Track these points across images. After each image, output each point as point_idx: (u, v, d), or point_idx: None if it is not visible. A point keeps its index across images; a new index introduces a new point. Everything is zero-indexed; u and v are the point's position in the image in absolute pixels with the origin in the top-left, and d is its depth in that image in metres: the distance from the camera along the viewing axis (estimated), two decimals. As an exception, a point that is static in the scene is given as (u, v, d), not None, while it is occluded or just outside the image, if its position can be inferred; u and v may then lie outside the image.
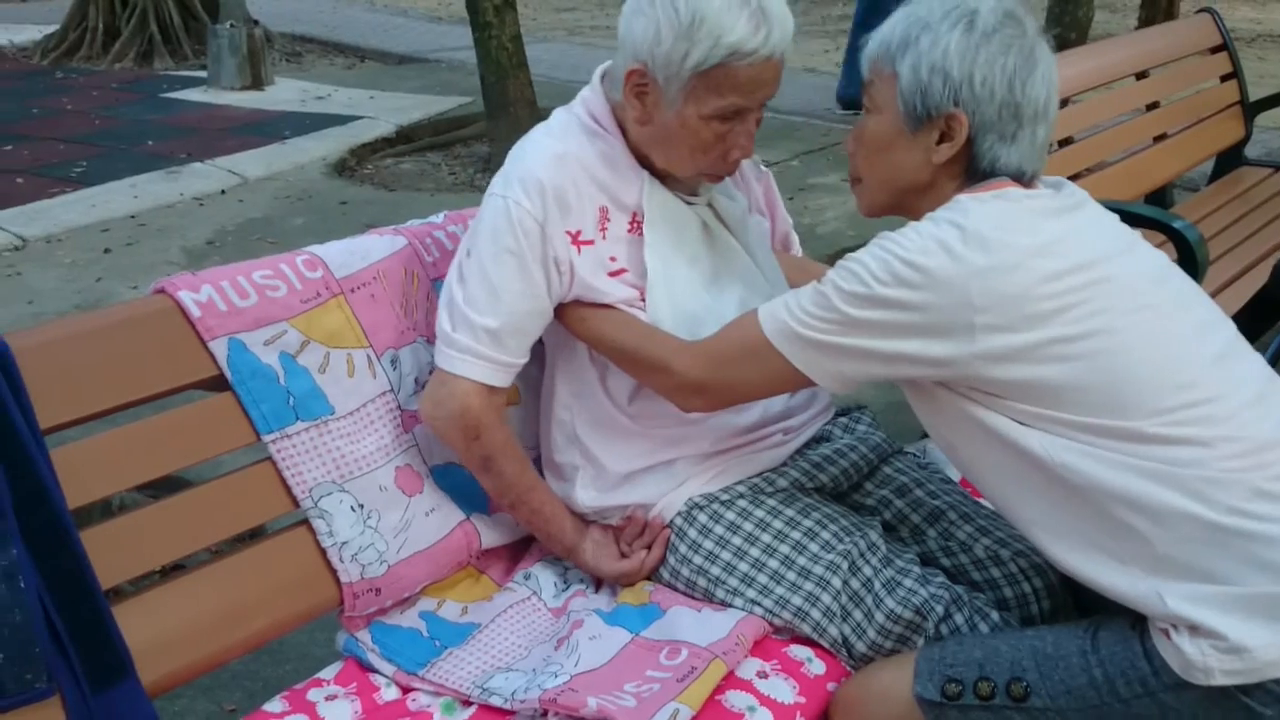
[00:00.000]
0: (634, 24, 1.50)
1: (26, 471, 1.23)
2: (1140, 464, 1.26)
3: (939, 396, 1.36)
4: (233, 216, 5.31)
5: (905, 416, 1.48)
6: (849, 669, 1.51)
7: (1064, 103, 3.29)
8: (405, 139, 6.69)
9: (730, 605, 1.57)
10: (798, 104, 7.13)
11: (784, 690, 1.46)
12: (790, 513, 1.59)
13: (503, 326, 1.52)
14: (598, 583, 1.69)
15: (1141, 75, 3.75)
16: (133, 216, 5.27)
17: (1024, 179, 1.40)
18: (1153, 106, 3.81)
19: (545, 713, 1.40)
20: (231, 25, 7.66)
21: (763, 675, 1.48)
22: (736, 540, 1.58)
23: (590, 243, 1.56)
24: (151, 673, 1.33)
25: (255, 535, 1.54)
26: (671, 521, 1.63)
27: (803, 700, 1.45)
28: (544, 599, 1.66)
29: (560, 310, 1.59)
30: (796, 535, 1.56)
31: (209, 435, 1.46)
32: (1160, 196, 3.91)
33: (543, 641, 1.58)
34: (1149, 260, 1.39)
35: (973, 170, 1.39)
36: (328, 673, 1.55)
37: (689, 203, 1.63)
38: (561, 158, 1.55)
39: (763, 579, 1.55)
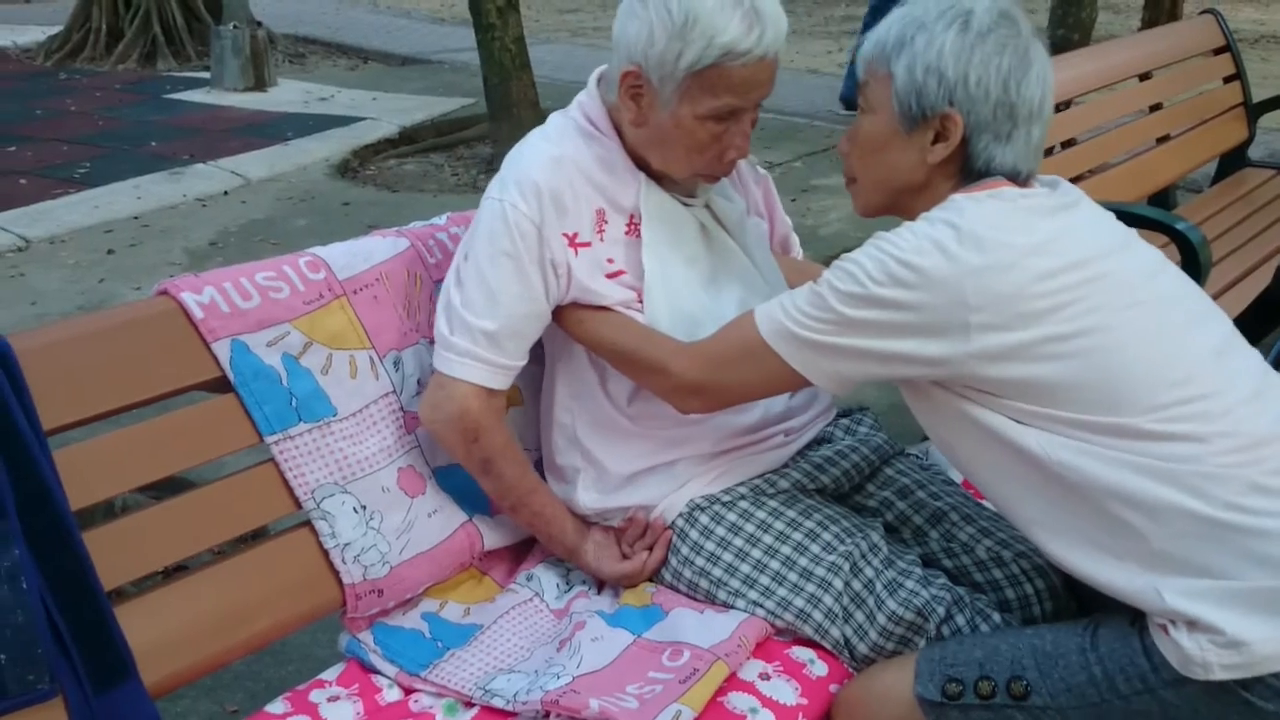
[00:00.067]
0: (628, 26, 1.50)
1: (29, 472, 1.23)
2: (1136, 460, 1.26)
3: (935, 396, 1.36)
4: (235, 218, 5.32)
5: (907, 418, 1.48)
6: (851, 670, 1.51)
7: (1067, 104, 3.29)
8: (408, 140, 6.69)
9: (732, 607, 1.57)
10: (801, 105, 7.13)
11: (786, 692, 1.46)
12: (792, 514, 1.59)
13: (500, 329, 1.52)
14: (600, 584, 1.69)
15: (1144, 77, 3.75)
16: (136, 218, 5.28)
17: (1019, 178, 1.40)
18: (1156, 108, 3.81)
19: (547, 714, 1.40)
20: (235, 26, 7.67)
21: (765, 677, 1.48)
22: (738, 542, 1.58)
23: (587, 245, 1.56)
24: (154, 673, 1.34)
25: (258, 536, 1.54)
26: (673, 523, 1.63)
27: (805, 702, 1.45)
28: (546, 600, 1.66)
29: (558, 313, 1.59)
30: (798, 537, 1.56)
31: (211, 436, 1.46)
32: (1163, 198, 3.90)
33: (545, 643, 1.58)
34: (1144, 257, 1.39)
35: (968, 170, 1.39)
36: (330, 674, 1.55)
37: (686, 204, 1.63)
38: (558, 161, 1.55)
39: (764, 581, 1.55)
